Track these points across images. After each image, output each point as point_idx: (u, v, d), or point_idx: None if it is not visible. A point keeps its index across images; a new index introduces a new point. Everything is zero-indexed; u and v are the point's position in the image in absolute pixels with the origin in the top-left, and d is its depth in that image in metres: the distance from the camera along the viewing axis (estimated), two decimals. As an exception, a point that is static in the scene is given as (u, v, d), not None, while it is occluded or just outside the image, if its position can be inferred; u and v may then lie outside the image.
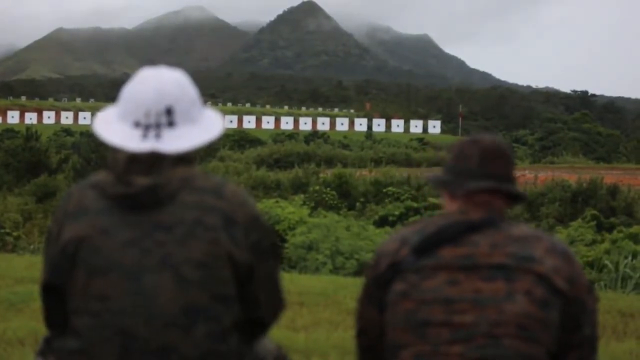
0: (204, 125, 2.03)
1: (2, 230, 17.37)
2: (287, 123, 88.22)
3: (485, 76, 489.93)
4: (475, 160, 2.12)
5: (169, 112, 1.96)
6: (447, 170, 2.18)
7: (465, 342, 1.92)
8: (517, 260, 1.97)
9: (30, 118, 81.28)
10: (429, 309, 1.97)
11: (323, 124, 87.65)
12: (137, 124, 1.96)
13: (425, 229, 2.08)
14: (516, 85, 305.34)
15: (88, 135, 39.48)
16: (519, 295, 1.94)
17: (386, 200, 25.73)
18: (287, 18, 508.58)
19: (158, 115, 1.95)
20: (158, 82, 1.98)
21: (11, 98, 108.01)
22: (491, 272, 1.97)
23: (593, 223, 21.10)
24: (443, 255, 2.01)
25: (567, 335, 2.02)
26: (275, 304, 2.11)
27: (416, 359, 1.96)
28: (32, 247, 15.35)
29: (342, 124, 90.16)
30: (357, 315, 2.23)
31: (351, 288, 7.08)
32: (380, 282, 2.10)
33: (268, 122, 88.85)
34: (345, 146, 60.42)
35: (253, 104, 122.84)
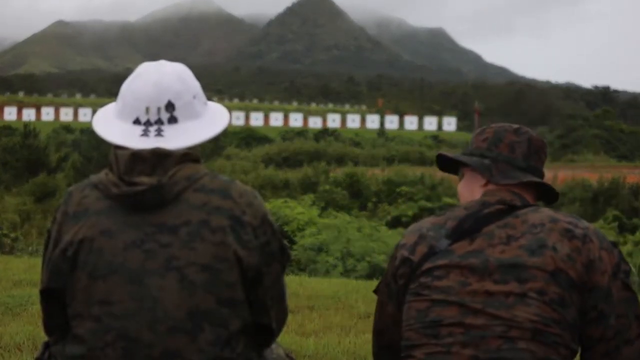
0: (208, 120, 1.99)
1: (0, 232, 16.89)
2: (296, 120, 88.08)
3: (502, 71, 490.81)
4: (522, 151, 2.10)
5: (169, 107, 1.93)
6: (480, 155, 2.12)
7: (478, 344, 1.88)
8: (529, 254, 1.91)
9: (29, 114, 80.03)
10: (441, 309, 1.94)
11: (333, 121, 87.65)
12: (137, 121, 1.93)
13: (446, 224, 2.02)
14: (535, 80, 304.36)
15: (89, 132, 39.57)
16: (531, 296, 1.88)
17: (399, 200, 26.27)
18: (296, 10, 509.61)
19: (159, 110, 1.93)
20: (158, 77, 1.95)
21: (8, 94, 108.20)
22: (503, 273, 1.91)
23: (615, 224, 21.68)
24: (455, 251, 1.97)
25: (591, 327, 1.93)
26: (280, 311, 2.05)
27: (428, 358, 1.92)
28: (30, 248, 15.06)
29: (353, 120, 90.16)
30: (376, 313, 2.17)
31: (363, 291, 7.00)
32: (396, 276, 2.06)
33: (276, 119, 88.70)
34: (357, 144, 60.87)
35: (261, 100, 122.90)
